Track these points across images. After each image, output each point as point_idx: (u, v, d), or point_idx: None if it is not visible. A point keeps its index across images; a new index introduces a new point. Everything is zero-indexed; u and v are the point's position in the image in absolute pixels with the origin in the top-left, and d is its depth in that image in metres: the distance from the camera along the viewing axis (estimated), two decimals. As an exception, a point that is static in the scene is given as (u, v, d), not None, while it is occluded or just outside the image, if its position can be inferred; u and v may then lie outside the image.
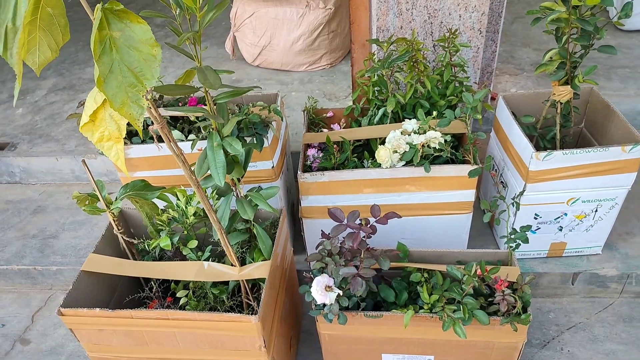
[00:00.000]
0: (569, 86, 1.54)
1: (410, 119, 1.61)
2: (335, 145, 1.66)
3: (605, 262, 1.76)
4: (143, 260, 1.47)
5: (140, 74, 0.74)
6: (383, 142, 1.59)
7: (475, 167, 1.50)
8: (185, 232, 1.43)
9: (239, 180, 1.30)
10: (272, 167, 1.66)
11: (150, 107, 0.84)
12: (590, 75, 1.50)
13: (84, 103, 1.76)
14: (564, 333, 1.69)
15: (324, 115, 1.88)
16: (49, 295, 2.04)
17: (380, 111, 1.71)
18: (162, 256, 1.49)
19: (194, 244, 1.39)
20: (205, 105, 1.16)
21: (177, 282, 1.50)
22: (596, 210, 1.63)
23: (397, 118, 1.73)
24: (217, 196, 1.34)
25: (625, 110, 2.21)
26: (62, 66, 3.23)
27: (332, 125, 1.83)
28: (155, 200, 1.35)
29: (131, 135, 1.68)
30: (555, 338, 1.68)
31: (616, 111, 1.63)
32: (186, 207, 1.39)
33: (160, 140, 1.61)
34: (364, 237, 1.24)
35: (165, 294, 1.51)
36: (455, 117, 1.49)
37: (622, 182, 1.55)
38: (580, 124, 1.84)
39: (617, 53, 1.47)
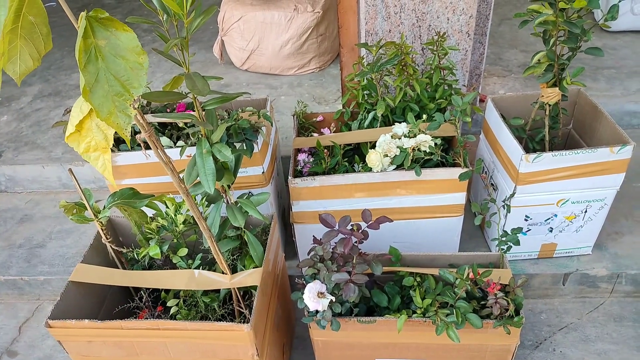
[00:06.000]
0: (557, 88, 1.55)
1: (400, 122, 1.61)
2: (325, 150, 1.66)
3: (596, 262, 1.78)
4: (132, 270, 1.45)
5: (127, 82, 0.72)
6: (373, 146, 1.59)
7: (465, 170, 1.51)
8: (175, 240, 1.41)
9: (229, 186, 1.29)
10: (263, 172, 1.64)
11: (137, 116, 0.83)
12: (577, 76, 1.51)
13: (69, 110, 1.73)
14: (556, 334, 1.70)
15: (314, 119, 1.87)
16: (37, 305, 2.00)
17: (370, 115, 1.70)
18: (151, 265, 1.47)
19: (184, 252, 1.38)
20: (194, 111, 1.15)
21: (167, 291, 1.48)
22: (586, 211, 1.64)
23: (387, 122, 1.73)
24: (206, 203, 1.32)
25: (612, 111, 2.23)
26: (48, 72, 3.19)
27: (322, 130, 1.82)
28: (144, 208, 1.33)
29: (119, 143, 1.66)
30: (548, 339, 1.69)
31: (604, 112, 1.64)
32: (175, 215, 1.37)
33: (148, 147, 1.59)
34: (355, 242, 1.23)
35: (155, 303, 1.49)
36: (445, 120, 1.49)
37: (610, 183, 1.56)
38: (568, 125, 1.85)
39: (604, 55, 1.48)
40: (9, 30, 0.71)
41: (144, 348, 1.29)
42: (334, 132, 1.80)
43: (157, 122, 1.72)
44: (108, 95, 0.72)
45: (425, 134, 1.51)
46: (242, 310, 1.35)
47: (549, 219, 1.66)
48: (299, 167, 1.69)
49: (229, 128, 1.55)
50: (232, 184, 1.28)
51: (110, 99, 0.72)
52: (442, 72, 1.71)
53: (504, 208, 1.57)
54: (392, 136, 1.55)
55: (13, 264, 2.03)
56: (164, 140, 1.67)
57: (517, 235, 1.44)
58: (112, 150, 1.62)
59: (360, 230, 1.25)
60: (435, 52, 1.69)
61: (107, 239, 1.38)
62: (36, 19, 0.74)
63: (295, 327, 1.79)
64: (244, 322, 1.20)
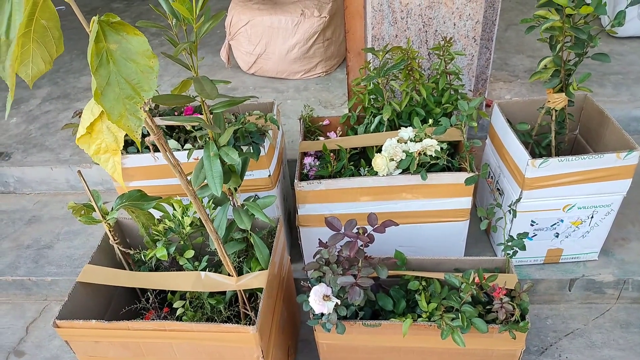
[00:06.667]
0: (564, 93, 1.55)
1: (406, 126, 1.62)
2: (331, 154, 1.67)
3: (602, 268, 1.77)
4: (139, 271, 1.46)
5: (138, 85, 0.73)
6: (379, 150, 1.59)
7: (471, 174, 1.51)
8: (182, 242, 1.42)
9: (235, 189, 1.30)
10: (269, 175, 1.65)
11: (146, 118, 0.84)
12: (584, 82, 1.51)
13: (79, 113, 1.75)
14: (562, 339, 1.69)
15: (320, 123, 1.88)
16: (44, 306, 2.02)
17: (377, 119, 1.71)
18: (158, 266, 1.48)
19: (190, 253, 1.38)
20: (202, 114, 1.16)
21: (173, 292, 1.49)
22: (592, 217, 1.63)
23: (393, 126, 1.73)
24: (213, 206, 1.33)
25: (618, 117, 2.23)
26: (57, 75, 3.22)
27: (328, 133, 1.83)
28: (152, 210, 1.34)
29: (127, 145, 1.68)
30: (553, 345, 1.68)
31: (610, 118, 1.64)
32: (182, 217, 1.38)
33: (156, 150, 1.60)
34: (361, 246, 1.24)
35: (161, 304, 1.50)
36: (451, 125, 1.49)
37: (617, 189, 1.56)
38: (575, 131, 1.85)
39: (610, 61, 1.47)
40: (22, 33, 0.73)
41: (150, 349, 1.30)
42: (340, 136, 1.81)
43: (165, 125, 1.74)
44: (119, 98, 0.73)
45: (431, 138, 1.52)
46: (247, 312, 1.36)
47: (555, 224, 1.66)
48: (305, 171, 1.69)
49: (236, 131, 1.56)
50: (238, 186, 1.29)
51: (121, 101, 0.73)
52: (448, 77, 1.71)
53: (510, 213, 1.57)
54: (398, 140, 1.55)
55: (21, 264, 2.05)
56: (172, 143, 1.68)
57: (523, 240, 1.44)
58: (120, 153, 1.63)
59: (366, 234, 1.25)
60: (441, 57, 1.69)
61: (114, 240, 1.39)
62: (48, 23, 0.76)
63: (301, 329, 1.80)
64: (249, 324, 1.20)
